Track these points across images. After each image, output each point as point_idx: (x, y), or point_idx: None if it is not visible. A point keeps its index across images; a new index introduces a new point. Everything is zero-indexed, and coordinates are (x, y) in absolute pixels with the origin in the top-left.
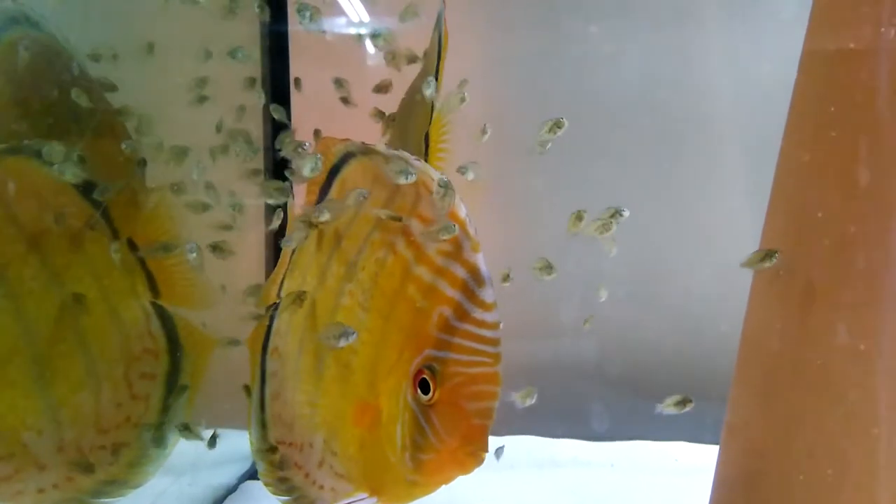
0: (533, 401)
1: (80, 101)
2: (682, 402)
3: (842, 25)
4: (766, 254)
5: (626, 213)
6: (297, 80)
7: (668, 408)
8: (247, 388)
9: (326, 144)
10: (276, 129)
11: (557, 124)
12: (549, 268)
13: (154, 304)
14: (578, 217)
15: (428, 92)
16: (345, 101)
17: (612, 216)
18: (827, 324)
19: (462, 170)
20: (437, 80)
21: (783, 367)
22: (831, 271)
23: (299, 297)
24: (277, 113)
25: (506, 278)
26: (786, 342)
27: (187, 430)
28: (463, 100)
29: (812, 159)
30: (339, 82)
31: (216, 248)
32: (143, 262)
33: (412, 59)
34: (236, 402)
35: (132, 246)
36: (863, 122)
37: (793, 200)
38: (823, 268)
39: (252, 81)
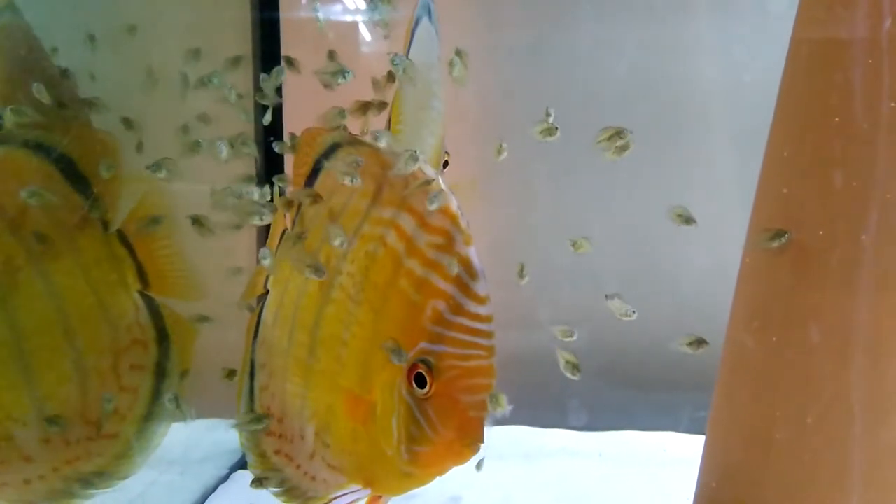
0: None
1: (41, 98)
2: (697, 343)
3: (822, 21)
4: (776, 233)
5: (695, 224)
6: (287, 59)
7: (681, 346)
8: (231, 373)
9: (312, 135)
10: (267, 127)
11: (549, 131)
12: (520, 272)
13: (143, 295)
14: (623, 147)
15: (393, 69)
16: (327, 85)
17: (679, 216)
18: (805, 321)
19: (376, 135)
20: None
21: (765, 364)
22: (810, 269)
23: (300, 237)
24: (266, 99)
25: (521, 271)
26: (767, 340)
27: (176, 404)
28: (452, 65)
29: (794, 155)
30: (331, 55)
31: (196, 221)
32: (132, 253)
33: None
34: (227, 392)
35: (122, 237)
36: (840, 119)
37: (776, 196)
38: (803, 265)
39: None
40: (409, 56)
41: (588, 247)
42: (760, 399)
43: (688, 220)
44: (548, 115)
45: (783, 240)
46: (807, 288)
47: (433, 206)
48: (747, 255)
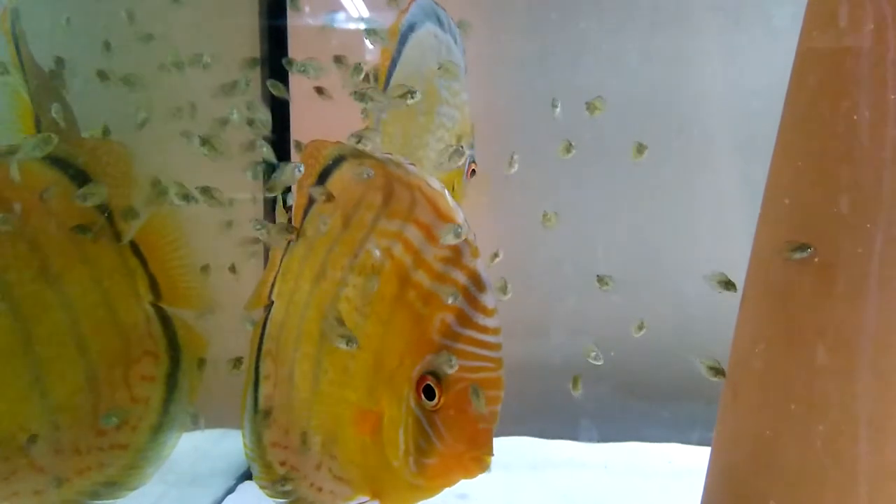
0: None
1: (58, 119)
2: (716, 371)
3: (831, 32)
4: (799, 246)
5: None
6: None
7: (701, 365)
8: (237, 361)
9: (317, 147)
10: (277, 126)
11: (567, 148)
12: (504, 288)
13: (154, 306)
14: (639, 150)
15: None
16: (319, 90)
17: (720, 282)
18: (810, 342)
19: (360, 136)
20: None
21: (770, 380)
22: (816, 286)
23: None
24: (276, 89)
25: (504, 289)
26: (772, 354)
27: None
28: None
29: (800, 169)
30: (338, 59)
31: (205, 191)
32: (145, 265)
33: None
34: (234, 404)
35: (135, 249)
36: (848, 132)
37: (782, 212)
38: (810, 284)
39: (255, 61)
40: (402, 62)
41: (555, 221)
42: (765, 414)
43: (727, 284)
44: (554, 105)
45: (806, 253)
46: (813, 304)
47: (447, 241)
48: (752, 271)
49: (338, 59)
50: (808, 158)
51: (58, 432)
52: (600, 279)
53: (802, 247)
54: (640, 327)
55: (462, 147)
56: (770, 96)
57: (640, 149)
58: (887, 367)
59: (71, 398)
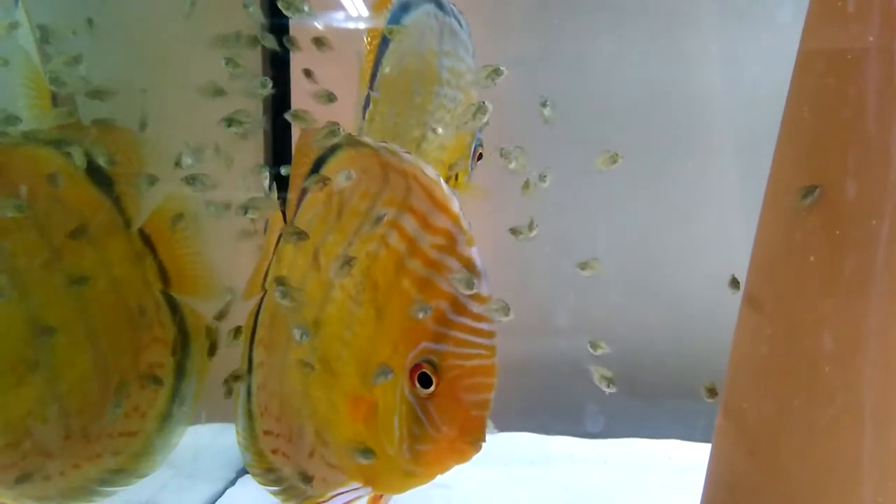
0: None
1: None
2: (711, 391)
3: (834, 30)
4: (808, 190)
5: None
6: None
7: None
8: (237, 330)
9: (311, 136)
10: (276, 119)
11: (613, 159)
12: (506, 309)
13: (164, 294)
14: (613, 159)
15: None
16: (307, 73)
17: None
18: (815, 329)
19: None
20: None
21: (773, 371)
22: (820, 277)
23: (298, 234)
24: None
25: (505, 311)
26: (775, 346)
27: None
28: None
29: (804, 165)
30: (317, 41)
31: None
32: (154, 252)
33: None
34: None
35: (144, 236)
36: (852, 130)
37: (784, 206)
38: (813, 273)
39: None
40: (397, 42)
41: (530, 231)
42: (767, 407)
43: (736, 283)
44: (544, 105)
45: (815, 194)
46: (817, 296)
47: (462, 288)
48: (755, 264)
49: (318, 42)
50: (813, 146)
51: (67, 418)
52: (582, 265)
53: (811, 189)
54: (584, 266)
55: (485, 104)
56: (772, 95)
57: (614, 158)
58: (892, 356)
59: (80, 384)
